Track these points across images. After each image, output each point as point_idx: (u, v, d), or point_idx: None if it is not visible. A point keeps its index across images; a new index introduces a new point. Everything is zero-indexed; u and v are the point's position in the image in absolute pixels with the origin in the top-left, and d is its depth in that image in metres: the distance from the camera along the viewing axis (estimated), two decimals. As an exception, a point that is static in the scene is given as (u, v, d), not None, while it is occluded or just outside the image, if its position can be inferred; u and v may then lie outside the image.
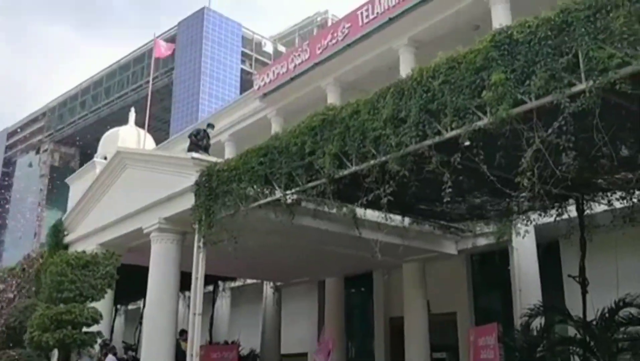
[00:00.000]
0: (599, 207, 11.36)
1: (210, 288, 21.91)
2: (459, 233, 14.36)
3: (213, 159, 11.54)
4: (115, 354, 14.71)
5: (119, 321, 26.60)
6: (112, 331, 23.16)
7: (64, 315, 10.29)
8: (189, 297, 23.04)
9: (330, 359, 12.72)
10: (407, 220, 13.22)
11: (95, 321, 10.73)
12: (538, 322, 12.49)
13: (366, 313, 19.82)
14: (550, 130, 5.81)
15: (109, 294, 12.99)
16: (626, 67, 5.34)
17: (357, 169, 8.12)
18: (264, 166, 9.63)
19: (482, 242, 14.22)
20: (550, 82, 5.82)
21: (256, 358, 20.01)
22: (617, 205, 10.92)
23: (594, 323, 10.96)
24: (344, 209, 11.42)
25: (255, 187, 9.99)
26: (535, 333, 12.39)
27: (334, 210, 10.91)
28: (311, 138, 8.70)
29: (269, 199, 9.97)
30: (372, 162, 7.84)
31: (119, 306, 25.29)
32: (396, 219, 13.19)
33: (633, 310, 10.79)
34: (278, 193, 9.88)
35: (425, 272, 16.18)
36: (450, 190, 7.01)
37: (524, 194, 11.95)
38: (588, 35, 5.61)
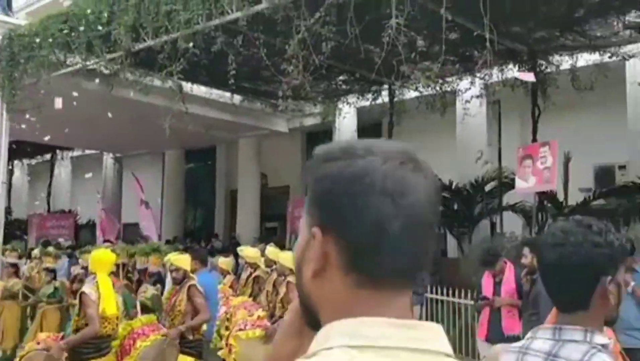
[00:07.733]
0: (411, 93, 12.07)
1: (48, 156, 21.12)
2: (288, 112, 14.71)
3: (17, 21, 10.69)
4: None
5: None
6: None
7: None
8: (27, 165, 22.28)
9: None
10: (237, 97, 13.38)
11: None
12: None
13: (209, 185, 20.22)
14: (312, 20, 5.99)
15: None
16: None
17: (151, 44, 7.97)
18: (64, 33, 9.11)
19: (310, 121, 14.73)
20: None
21: (95, 227, 20.00)
22: (425, 92, 11.67)
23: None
24: (170, 82, 11.31)
25: (57, 53, 9.49)
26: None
27: (160, 84, 10.77)
28: (108, 7, 8.32)
29: (70, 69, 9.57)
30: (164, 37, 7.71)
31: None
32: (225, 96, 13.30)
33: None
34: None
35: (263, 148, 16.61)
36: (234, 72, 7.13)
37: (341, 77, 12.48)
38: None
